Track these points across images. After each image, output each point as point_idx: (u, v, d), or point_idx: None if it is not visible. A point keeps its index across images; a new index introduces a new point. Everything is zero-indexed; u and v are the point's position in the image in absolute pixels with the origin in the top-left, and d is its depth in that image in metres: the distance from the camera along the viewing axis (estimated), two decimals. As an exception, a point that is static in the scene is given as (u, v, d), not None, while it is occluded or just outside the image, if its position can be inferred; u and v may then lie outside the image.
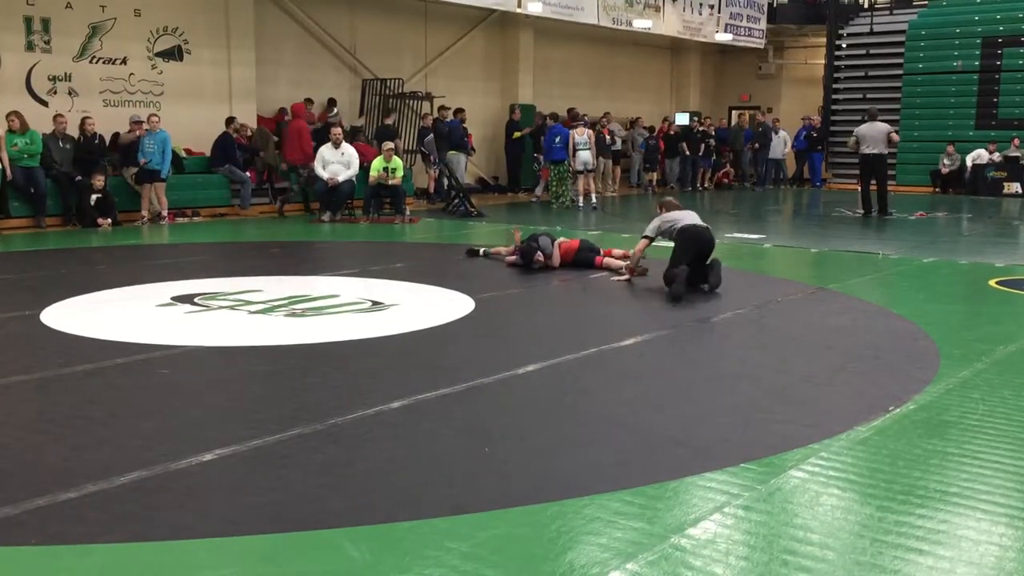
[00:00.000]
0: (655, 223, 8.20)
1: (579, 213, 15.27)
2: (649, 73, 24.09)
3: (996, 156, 19.66)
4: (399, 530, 3.09)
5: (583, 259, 8.91)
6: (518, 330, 6.61)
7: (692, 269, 7.64)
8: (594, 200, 16.14)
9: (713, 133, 21.74)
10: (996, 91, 20.77)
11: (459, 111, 17.42)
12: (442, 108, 17.25)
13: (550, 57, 20.76)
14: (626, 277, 8.23)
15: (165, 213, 12.94)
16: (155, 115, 12.97)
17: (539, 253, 8.74)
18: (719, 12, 22.11)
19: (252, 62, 15.37)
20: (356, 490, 3.44)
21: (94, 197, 12.14)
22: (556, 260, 8.84)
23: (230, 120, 14.39)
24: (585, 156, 16.03)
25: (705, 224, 8.10)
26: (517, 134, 18.84)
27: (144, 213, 12.79)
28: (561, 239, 9.19)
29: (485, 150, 19.41)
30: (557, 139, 16.26)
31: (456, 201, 15.12)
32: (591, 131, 16.77)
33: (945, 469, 3.67)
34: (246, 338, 6.02)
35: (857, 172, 15.70)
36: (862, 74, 22.94)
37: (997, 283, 8.28)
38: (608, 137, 18.96)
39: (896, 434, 4.09)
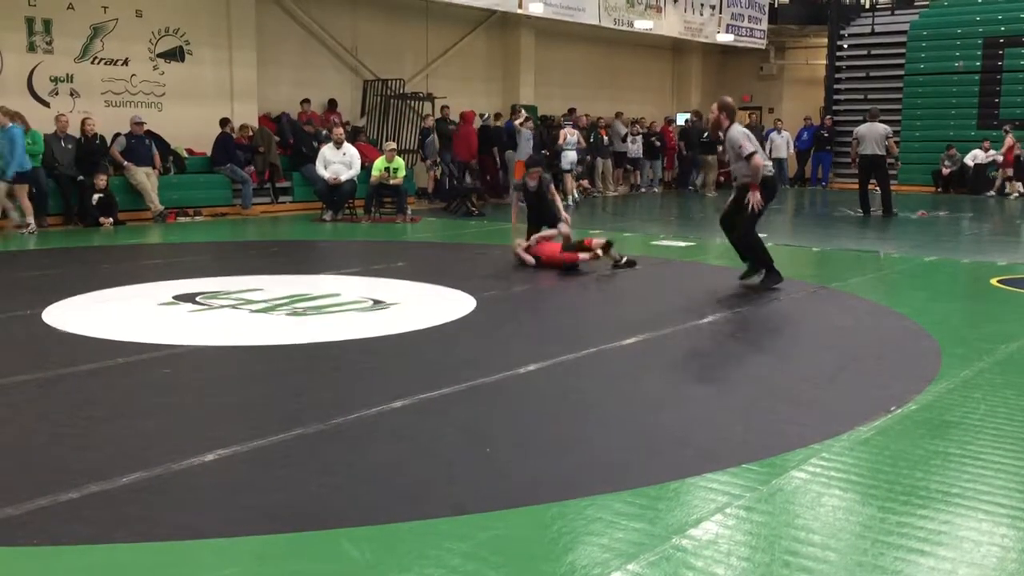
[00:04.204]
0: (748, 137, 7.67)
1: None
2: (650, 74, 24.07)
3: (991, 154, 19.62)
4: (400, 530, 3.09)
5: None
6: (519, 329, 6.61)
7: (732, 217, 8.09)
8: (569, 201, 16.53)
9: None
10: (998, 91, 20.75)
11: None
12: (444, 108, 17.27)
13: (551, 58, 20.74)
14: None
15: (30, 220, 11.49)
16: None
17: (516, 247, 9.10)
18: (720, 13, 22.08)
19: (253, 63, 15.37)
20: (357, 490, 3.44)
21: (96, 197, 12.16)
22: (528, 248, 9.04)
23: (225, 121, 14.32)
24: (571, 156, 16.81)
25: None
26: None
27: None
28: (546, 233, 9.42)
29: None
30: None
31: (457, 201, 15.13)
32: (580, 132, 17.47)
33: (947, 470, 3.67)
34: (248, 337, 6.02)
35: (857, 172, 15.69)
36: (863, 75, 22.92)
37: (999, 282, 8.28)
38: (606, 138, 18.98)
39: (898, 434, 4.08)
